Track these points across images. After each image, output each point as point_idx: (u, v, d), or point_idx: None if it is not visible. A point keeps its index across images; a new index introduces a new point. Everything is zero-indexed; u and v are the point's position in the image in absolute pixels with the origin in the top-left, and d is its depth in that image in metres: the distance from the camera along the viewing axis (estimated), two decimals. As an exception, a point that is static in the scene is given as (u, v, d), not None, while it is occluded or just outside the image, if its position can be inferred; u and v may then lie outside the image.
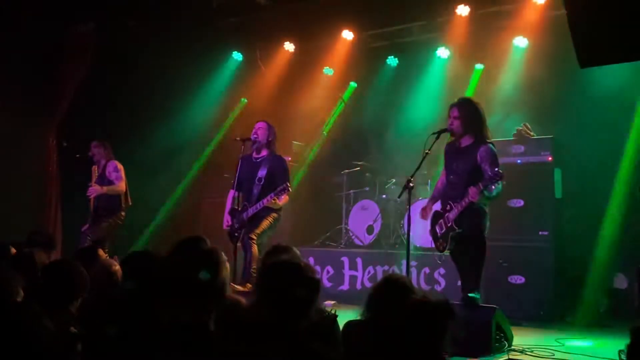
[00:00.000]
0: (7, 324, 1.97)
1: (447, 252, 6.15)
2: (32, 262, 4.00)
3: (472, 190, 5.56)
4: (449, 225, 5.82)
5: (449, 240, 5.86)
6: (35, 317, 2.04)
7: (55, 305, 3.07)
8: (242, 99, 10.53)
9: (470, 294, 5.59)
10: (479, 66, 9.03)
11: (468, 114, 5.85)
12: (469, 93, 8.67)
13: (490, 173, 5.51)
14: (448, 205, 5.86)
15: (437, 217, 6.07)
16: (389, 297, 3.34)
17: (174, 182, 9.66)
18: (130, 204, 7.99)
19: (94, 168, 8.08)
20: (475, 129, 5.85)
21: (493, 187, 5.61)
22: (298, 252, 3.88)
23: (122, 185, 7.88)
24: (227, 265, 4.21)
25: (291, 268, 2.75)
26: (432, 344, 2.78)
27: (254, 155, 6.88)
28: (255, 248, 6.51)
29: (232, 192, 6.93)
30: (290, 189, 6.41)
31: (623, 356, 2.87)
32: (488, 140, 5.83)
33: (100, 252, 4.95)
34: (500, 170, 5.49)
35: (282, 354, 2.45)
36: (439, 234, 6.01)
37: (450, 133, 5.96)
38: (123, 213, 7.92)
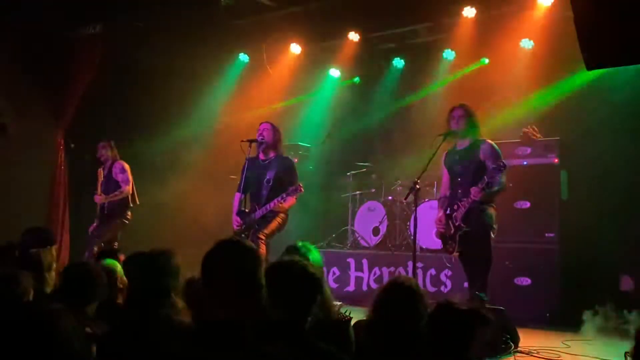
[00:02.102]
0: (23, 323, 1.99)
1: (456, 254, 6.17)
2: (39, 262, 4.01)
3: (473, 190, 5.65)
4: (456, 224, 5.85)
5: (458, 241, 5.89)
6: (54, 315, 2.05)
7: (73, 306, 3.09)
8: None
9: (478, 293, 5.61)
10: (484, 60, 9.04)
11: (471, 114, 6.00)
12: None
13: (490, 168, 5.58)
14: (456, 205, 5.90)
15: (446, 219, 6.10)
16: (396, 299, 3.35)
17: (181, 183, 9.67)
18: (137, 203, 8.05)
19: (100, 172, 8.13)
20: (475, 130, 6.00)
21: (495, 181, 5.65)
22: (317, 252, 3.90)
23: (127, 189, 7.94)
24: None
25: (291, 268, 2.76)
26: (459, 350, 2.81)
27: (261, 157, 6.87)
28: (263, 248, 6.49)
29: (238, 195, 6.90)
30: (302, 189, 6.41)
31: (629, 358, 2.87)
32: (487, 139, 5.93)
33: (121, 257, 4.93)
34: (501, 162, 5.55)
35: (291, 353, 2.46)
36: (448, 236, 6.03)
37: (455, 133, 6.01)
38: (130, 212, 7.99)
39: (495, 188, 5.75)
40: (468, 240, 5.83)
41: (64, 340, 1.96)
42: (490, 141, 5.95)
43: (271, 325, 2.59)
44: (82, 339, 2.07)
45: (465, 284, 6.44)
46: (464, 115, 5.95)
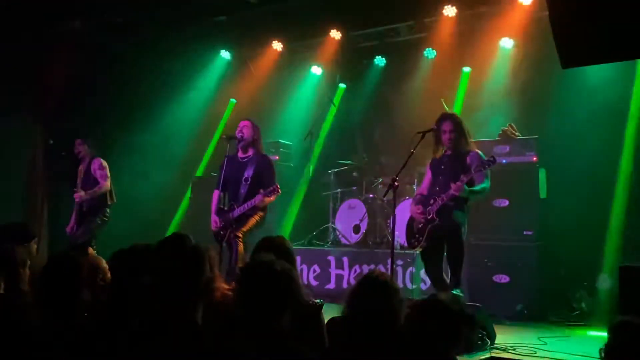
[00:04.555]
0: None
1: (419, 249, 6.21)
2: (12, 258, 3.95)
3: (454, 185, 5.67)
4: (429, 217, 5.89)
5: (426, 234, 5.93)
6: (20, 310, 2.05)
7: (59, 299, 3.07)
8: (232, 100, 10.54)
9: (452, 291, 5.65)
10: (466, 69, 9.09)
11: (461, 126, 6.08)
12: (459, 97, 8.82)
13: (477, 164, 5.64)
14: (432, 199, 5.94)
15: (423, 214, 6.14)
16: (370, 294, 3.36)
17: (160, 180, 9.65)
18: (115, 201, 8.00)
19: (80, 169, 8.08)
20: (463, 143, 6.06)
21: (479, 180, 5.70)
22: (290, 244, 3.90)
23: (107, 184, 7.89)
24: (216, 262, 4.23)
25: (265, 272, 2.74)
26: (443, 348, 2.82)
27: (240, 154, 6.87)
28: (241, 246, 6.51)
29: (216, 192, 6.89)
30: (279, 190, 6.42)
31: (603, 354, 2.91)
32: (475, 149, 6.02)
33: (90, 250, 4.93)
34: (491, 158, 5.59)
35: (258, 351, 2.46)
36: (415, 229, 6.08)
37: (448, 147, 6.05)
38: (108, 210, 7.94)
39: (476, 187, 5.79)
40: (436, 236, 5.89)
41: (27, 333, 1.95)
42: (478, 151, 6.05)
43: (244, 323, 2.58)
44: (51, 333, 2.06)
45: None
46: (454, 129, 6.03)
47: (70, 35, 8.93)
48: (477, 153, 5.99)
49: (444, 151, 6.17)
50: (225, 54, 10.32)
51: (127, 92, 9.28)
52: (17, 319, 2.06)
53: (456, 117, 6.20)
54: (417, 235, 6.03)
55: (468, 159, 5.92)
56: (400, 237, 8.32)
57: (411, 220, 6.24)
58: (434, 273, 6.12)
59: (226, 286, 6.03)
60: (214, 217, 6.81)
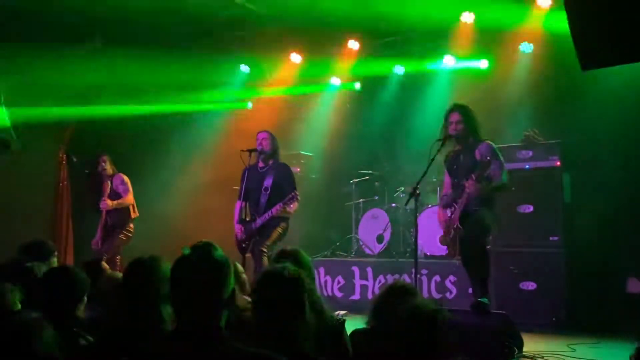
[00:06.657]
0: (6, 334, 1.98)
1: (458, 258, 6.13)
2: (31, 275, 3.97)
3: (467, 184, 5.58)
4: (454, 226, 5.81)
5: (458, 242, 5.84)
6: (36, 325, 2.04)
7: (60, 312, 3.07)
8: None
9: (480, 299, 5.57)
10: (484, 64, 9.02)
11: (469, 117, 5.91)
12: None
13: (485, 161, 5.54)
14: (453, 207, 5.87)
15: (447, 223, 6.07)
16: (393, 304, 3.32)
17: (183, 194, 9.69)
18: (137, 214, 8.09)
19: (105, 186, 8.20)
20: (474, 131, 5.93)
21: (493, 175, 5.60)
22: (305, 256, 3.87)
23: (129, 198, 8.05)
24: (242, 274, 4.23)
25: (276, 281, 2.72)
26: (427, 351, 2.76)
27: (260, 164, 6.90)
28: (266, 260, 6.49)
29: (239, 203, 6.93)
30: (299, 197, 6.41)
31: (633, 361, 2.83)
32: (486, 140, 5.87)
33: (104, 264, 4.97)
34: (488, 156, 5.48)
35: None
36: (449, 240, 6.00)
37: (455, 139, 5.96)
38: (132, 225, 8.05)
39: (494, 184, 5.68)
40: (466, 243, 5.80)
41: (38, 349, 1.95)
42: (489, 142, 5.87)
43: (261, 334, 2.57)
44: (61, 347, 2.05)
45: (470, 290, 6.39)
46: (461, 120, 5.90)
47: (92, 54, 9.01)
48: (487, 145, 5.77)
49: (454, 147, 6.06)
50: (244, 68, 10.36)
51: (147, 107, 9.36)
52: (31, 333, 2.05)
53: (465, 108, 5.99)
54: (452, 245, 5.95)
55: (477, 153, 5.75)
56: (424, 246, 8.28)
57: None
58: (473, 280, 6.03)
59: (248, 298, 6.04)
60: (236, 227, 6.84)
